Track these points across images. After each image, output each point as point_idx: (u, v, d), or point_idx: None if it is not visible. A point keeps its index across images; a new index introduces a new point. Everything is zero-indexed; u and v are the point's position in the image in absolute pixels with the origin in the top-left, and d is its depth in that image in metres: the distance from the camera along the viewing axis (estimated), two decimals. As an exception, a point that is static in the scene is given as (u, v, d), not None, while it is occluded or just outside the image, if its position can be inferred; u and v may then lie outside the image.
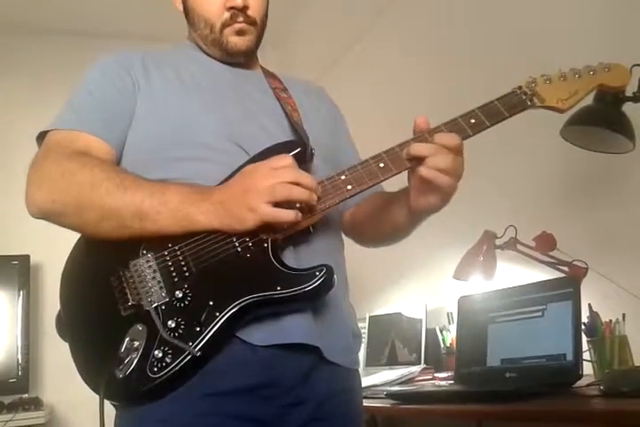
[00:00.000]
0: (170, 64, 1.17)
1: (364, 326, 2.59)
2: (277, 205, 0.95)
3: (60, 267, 1.06)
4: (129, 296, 0.97)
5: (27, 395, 2.79)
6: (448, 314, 2.27)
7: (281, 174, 0.95)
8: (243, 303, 0.93)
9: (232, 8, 1.15)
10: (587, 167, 1.85)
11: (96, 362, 0.96)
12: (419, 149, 0.99)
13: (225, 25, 1.16)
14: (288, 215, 0.95)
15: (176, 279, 0.97)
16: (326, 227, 1.11)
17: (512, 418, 1.36)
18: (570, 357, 1.48)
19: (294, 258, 1.01)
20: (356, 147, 1.35)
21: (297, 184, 0.95)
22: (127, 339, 0.93)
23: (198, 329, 0.92)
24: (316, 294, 0.97)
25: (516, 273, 2.00)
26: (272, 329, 0.97)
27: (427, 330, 2.33)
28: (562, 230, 1.80)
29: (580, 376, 1.44)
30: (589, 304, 1.61)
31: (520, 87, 1.09)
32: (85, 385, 0.97)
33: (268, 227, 0.96)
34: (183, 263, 0.97)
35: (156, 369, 0.91)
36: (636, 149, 1.54)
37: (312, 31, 3.56)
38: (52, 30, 3.33)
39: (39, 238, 2.50)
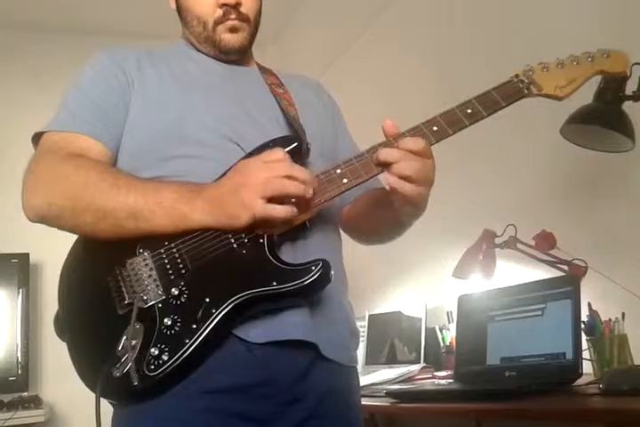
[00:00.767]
0: (164, 62, 1.16)
1: (363, 325, 2.59)
2: (272, 199, 0.93)
3: (59, 265, 1.06)
4: (125, 295, 0.96)
5: (26, 393, 2.79)
6: (448, 313, 2.27)
7: (274, 168, 0.94)
8: (239, 299, 0.93)
9: (224, 5, 1.14)
10: (587, 166, 1.84)
11: (93, 361, 0.96)
12: (384, 155, 0.97)
13: (217, 22, 1.15)
14: (282, 211, 0.94)
15: (172, 277, 0.96)
16: (323, 222, 1.10)
17: (511, 417, 1.36)
18: (569, 355, 1.48)
19: (291, 254, 1.01)
20: (355, 143, 1.33)
21: (291, 178, 0.93)
22: (124, 337, 0.93)
23: (195, 326, 0.92)
24: (313, 288, 0.96)
25: (516, 272, 2.00)
26: (268, 326, 0.96)
27: (426, 329, 2.33)
28: (561, 229, 1.80)
29: (580, 375, 1.44)
30: (589, 303, 1.61)
31: (517, 75, 1.07)
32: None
33: (263, 222, 0.95)
34: (179, 261, 0.97)
35: (152, 367, 0.90)
36: (636, 147, 1.54)
37: (312, 28, 3.55)
38: (53, 28, 3.33)
39: (39, 237, 2.47)
